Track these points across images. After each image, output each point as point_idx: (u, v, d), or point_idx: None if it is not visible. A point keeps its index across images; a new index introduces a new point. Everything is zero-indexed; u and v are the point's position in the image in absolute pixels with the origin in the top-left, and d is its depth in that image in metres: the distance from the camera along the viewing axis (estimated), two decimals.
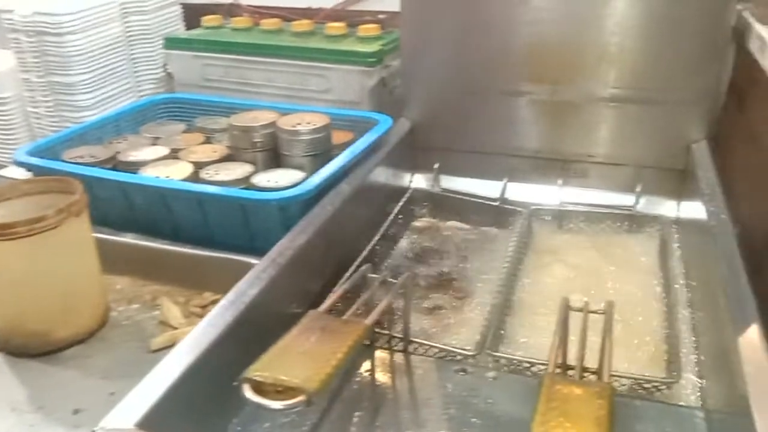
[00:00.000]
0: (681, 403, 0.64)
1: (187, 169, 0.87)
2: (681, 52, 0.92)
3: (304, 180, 0.83)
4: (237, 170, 0.88)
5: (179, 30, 1.31)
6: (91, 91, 1.14)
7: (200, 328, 0.57)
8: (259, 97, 1.13)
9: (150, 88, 1.28)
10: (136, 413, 0.48)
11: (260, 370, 0.45)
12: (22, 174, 1.20)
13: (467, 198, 1.02)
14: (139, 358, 0.71)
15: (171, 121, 1.08)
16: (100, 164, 0.89)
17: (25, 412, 0.64)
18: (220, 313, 0.59)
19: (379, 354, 0.71)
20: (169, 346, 0.72)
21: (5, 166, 1.23)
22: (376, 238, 0.91)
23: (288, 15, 1.23)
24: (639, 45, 0.94)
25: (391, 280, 0.68)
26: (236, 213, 0.79)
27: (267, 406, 0.43)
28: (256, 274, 0.66)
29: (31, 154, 0.89)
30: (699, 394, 0.65)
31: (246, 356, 0.50)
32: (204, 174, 0.87)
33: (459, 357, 0.69)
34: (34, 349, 0.71)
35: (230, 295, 0.62)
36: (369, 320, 0.55)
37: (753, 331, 0.57)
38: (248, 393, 0.44)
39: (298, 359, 0.46)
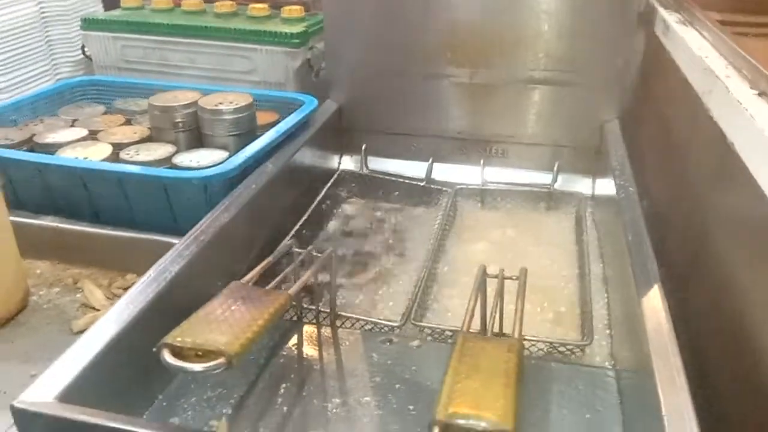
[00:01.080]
0: (593, 364, 0.68)
1: (106, 150, 0.85)
2: (594, 35, 0.97)
3: (226, 159, 0.83)
4: (158, 150, 0.86)
5: (98, 11, 1.27)
6: (4, 74, 1.10)
7: (122, 303, 0.56)
8: (181, 79, 1.11)
9: (68, 71, 1.24)
10: (56, 387, 0.47)
11: (180, 335, 0.45)
12: None
13: (394, 179, 1.04)
14: (62, 340, 0.70)
15: (90, 104, 1.05)
16: (15, 146, 0.86)
17: None
18: (142, 290, 0.59)
19: (307, 329, 0.72)
20: None
21: None
22: (304, 218, 0.92)
23: None
24: (554, 29, 0.97)
25: (316, 254, 0.69)
26: (158, 193, 0.78)
27: (187, 368, 0.44)
28: (178, 252, 0.65)
29: None
30: (609, 354, 0.69)
31: (168, 331, 0.50)
32: (124, 155, 0.85)
33: (385, 329, 0.71)
34: None
35: (152, 271, 0.62)
36: (291, 290, 0.56)
37: (655, 293, 0.61)
38: (168, 357, 0.44)
39: (219, 326, 0.47)
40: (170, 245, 0.76)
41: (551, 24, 0.97)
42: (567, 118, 1.02)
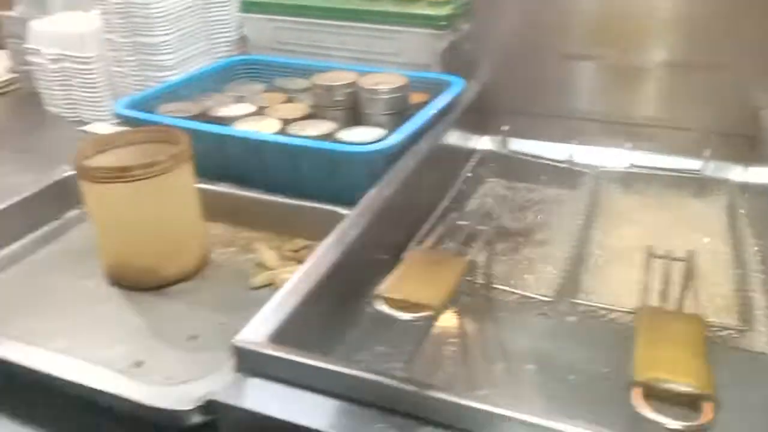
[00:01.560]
0: (755, 350, 0.68)
1: (275, 124, 0.92)
2: (751, 18, 0.94)
3: (385, 137, 0.88)
4: (321, 126, 0.92)
5: None
6: (172, 52, 1.19)
7: (313, 261, 0.62)
8: (330, 60, 1.17)
9: (224, 51, 1.33)
10: (267, 328, 0.53)
11: (390, 290, 0.50)
12: (105, 129, 1.27)
13: (535, 160, 1.06)
14: (242, 294, 0.78)
15: (251, 81, 1.13)
16: (192, 118, 0.95)
17: (145, 337, 0.71)
18: (326, 251, 0.65)
19: (464, 299, 0.76)
20: (268, 285, 0.78)
21: (89, 122, 1.30)
22: (451, 195, 0.95)
23: None
24: (710, 10, 0.95)
25: (480, 227, 0.72)
26: (327, 165, 0.84)
27: (398, 317, 0.49)
28: (353, 219, 0.71)
29: (128, 107, 0.95)
30: None
31: (354, 285, 0.55)
32: (291, 129, 0.92)
33: (539, 303, 0.74)
34: (145, 284, 0.78)
35: (333, 235, 0.67)
36: (470, 256, 0.60)
37: None
38: (382, 306, 0.49)
39: (418, 283, 0.51)
40: (333, 213, 0.82)
41: (707, 4, 0.95)
42: (719, 103, 1.00)
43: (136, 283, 0.78)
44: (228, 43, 1.33)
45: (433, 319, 0.48)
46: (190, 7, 1.22)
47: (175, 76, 1.20)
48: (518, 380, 0.62)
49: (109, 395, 0.54)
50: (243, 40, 1.33)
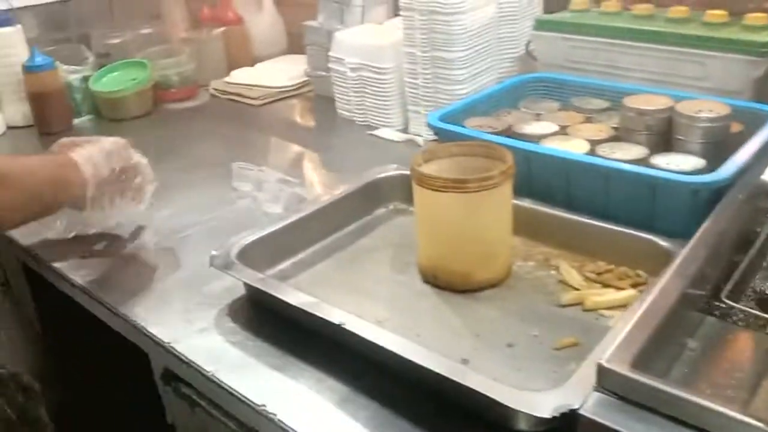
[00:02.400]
0: None
1: (584, 145, 0.93)
2: None
3: (705, 167, 0.85)
4: (632, 150, 0.91)
5: (537, 12, 1.38)
6: (466, 67, 1.26)
7: (659, 291, 0.62)
8: (626, 81, 1.15)
9: (507, 67, 1.37)
10: (629, 353, 0.54)
11: None
12: (391, 135, 1.38)
13: None
14: (548, 309, 0.79)
15: (543, 99, 1.15)
16: (498, 134, 0.99)
17: (465, 336, 0.76)
18: (669, 283, 0.64)
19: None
20: (576, 304, 0.79)
21: (377, 128, 1.41)
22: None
23: (659, 1, 1.23)
24: None
25: None
26: (642, 190, 0.83)
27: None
28: (692, 253, 0.69)
29: (440, 120, 1.01)
30: None
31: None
32: (600, 151, 0.92)
33: None
34: (457, 286, 0.83)
35: (673, 267, 0.66)
36: None
37: None
38: None
39: None
40: (645, 241, 0.81)
41: None
42: None
43: (449, 284, 0.83)
44: (512, 60, 1.37)
45: None
46: (486, 24, 1.28)
47: (463, 90, 1.26)
48: None
49: (463, 386, 0.59)
50: (525, 57, 1.36)
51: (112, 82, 1.61)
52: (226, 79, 1.76)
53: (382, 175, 1.02)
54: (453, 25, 1.22)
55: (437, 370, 0.61)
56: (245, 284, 0.82)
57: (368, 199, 1.02)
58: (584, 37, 1.22)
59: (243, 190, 1.14)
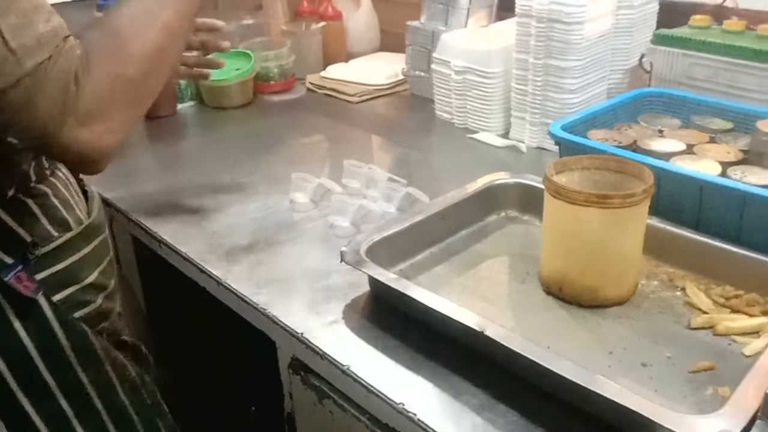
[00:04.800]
0: None
1: (715, 167, 0.92)
2: None
3: None
4: (764, 175, 0.90)
5: (651, 25, 1.36)
6: (578, 77, 1.25)
7: None
8: (743, 101, 1.12)
9: (617, 80, 1.35)
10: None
11: None
12: (491, 139, 1.38)
13: None
14: (677, 331, 0.79)
15: (661, 115, 1.13)
16: (624, 148, 0.98)
17: (597, 352, 0.75)
18: None
19: None
20: (707, 328, 0.78)
21: (476, 132, 1.42)
22: None
23: None
24: None
25: None
26: None
27: None
28: None
29: (563, 130, 1.01)
30: None
31: None
32: (731, 174, 0.90)
33: None
34: (582, 301, 0.83)
35: None
36: None
37: None
38: None
39: None
40: None
41: None
42: None
43: (575, 297, 0.83)
44: (622, 72, 1.36)
45: None
46: (602, 35, 1.27)
47: (573, 100, 1.26)
48: None
49: (620, 406, 0.59)
50: (637, 70, 1.35)
51: (216, 71, 1.65)
52: (322, 73, 1.78)
53: (498, 181, 1.03)
54: (572, 35, 1.22)
55: (594, 389, 0.61)
56: (372, 282, 0.84)
57: (482, 205, 1.02)
58: (706, 54, 1.19)
59: (352, 187, 1.16)
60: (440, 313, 0.73)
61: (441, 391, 0.70)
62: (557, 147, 1.04)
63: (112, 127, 0.67)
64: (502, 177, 1.03)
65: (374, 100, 1.67)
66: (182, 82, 1.63)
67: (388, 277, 0.79)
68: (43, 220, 0.77)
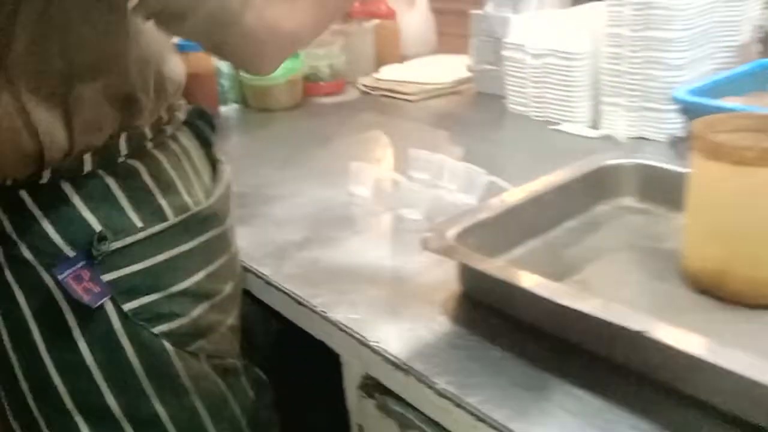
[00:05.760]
0: None
1: None
2: None
3: None
4: None
5: None
6: (685, 50, 1.05)
7: None
8: None
9: (724, 57, 1.15)
10: None
11: None
12: (584, 131, 1.18)
13: None
14: None
15: None
16: None
17: None
18: None
19: None
20: None
21: (557, 123, 1.22)
22: None
23: None
24: None
25: None
26: None
27: None
28: None
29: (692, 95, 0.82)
30: None
31: None
32: None
33: None
34: (750, 300, 0.62)
35: None
36: None
37: None
38: None
39: None
40: None
41: None
42: None
43: (737, 296, 0.62)
44: (730, 48, 1.15)
45: None
46: (712, 3, 1.07)
47: (681, 78, 1.06)
48: None
49: None
50: (746, 47, 1.15)
51: None
52: (375, 75, 1.62)
53: (612, 162, 0.83)
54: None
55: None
56: (468, 274, 0.64)
57: (590, 190, 0.83)
58: None
59: (421, 178, 0.97)
60: (580, 313, 0.53)
61: (571, 414, 0.50)
62: (662, 135, 0.84)
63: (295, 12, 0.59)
64: (616, 157, 0.83)
65: (436, 99, 1.49)
66: (225, 82, 1.49)
67: (494, 265, 0.60)
68: (125, 204, 0.60)
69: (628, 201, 0.83)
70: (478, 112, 1.38)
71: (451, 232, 0.66)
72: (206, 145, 0.73)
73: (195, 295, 0.63)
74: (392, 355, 0.58)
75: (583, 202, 0.82)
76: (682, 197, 0.70)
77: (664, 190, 0.80)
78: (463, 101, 1.47)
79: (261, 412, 0.71)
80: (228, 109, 1.49)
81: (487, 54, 1.43)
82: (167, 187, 0.62)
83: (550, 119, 1.25)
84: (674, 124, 1.07)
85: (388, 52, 1.71)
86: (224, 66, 1.48)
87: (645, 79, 1.09)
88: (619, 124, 1.14)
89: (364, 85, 1.60)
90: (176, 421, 0.62)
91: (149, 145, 0.62)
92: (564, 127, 1.21)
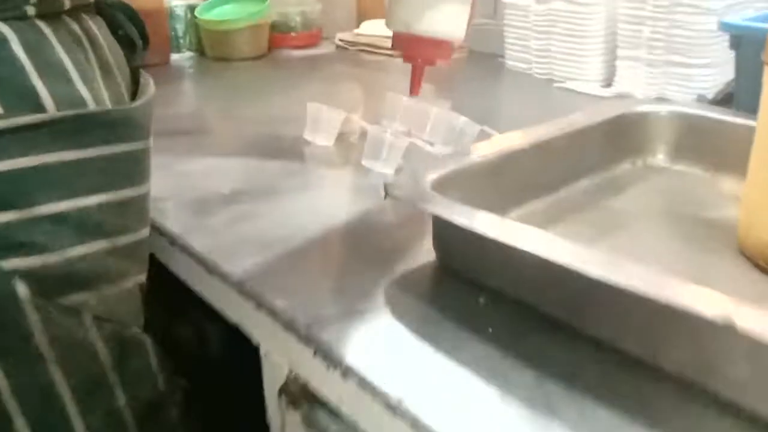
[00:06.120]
0: None
1: None
2: None
3: None
4: None
5: None
6: None
7: None
8: None
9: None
10: None
11: None
12: (596, 90, 0.99)
13: None
14: None
15: None
16: None
17: None
18: None
19: None
20: None
21: (562, 81, 1.03)
22: None
23: None
24: None
25: None
26: None
27: None
28: None
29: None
30: None
31: None
32: None
33: None
34: None
35: None
36: None
37: None
38: None
39: None
40: None
41: None
42: None
43: None
44: None
45: None
46: None
47: (715, 25, 0.87)
48: None
49: None
50: None
51: (222, 14, 1.30)
52: (356, 30, 1.42)
53: (639, 109, 0.64)
54: None
55: None
56: (443, 238, 0.45)
57: (609, 145, 0.64)
58: None
59: (397, 128, 0.77)
60: (613, 287, 0.34)
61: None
62: (688, 95, 0.67)
63: None
64: (644, 104, 0.64)
65: None
66: (178, 26, 1.29)
67: (480, 219, 0.40)
68: None
69: (659, 159, 0.64)
70: (473, 70, 1.19)
71: (427, 179, 0.47)
72: (127, 46, 0.54)
73: (79, 226, 0.43)
74: (328, 349, 0.38)
75: (601, 157, 0.63)
76: (728, 155, 0.53)
77: (703, 145, 0.61)
78: (456, 58, 1.27)
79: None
80: (180, 57, 1.29)
81: (484, 7, 1.24)
82: (49, 69, 0.43)
83: (555, 76, 1.06)
84: (703, 81, 0.89)
85: (372, 5, 1.51)
86: (177, 8, 1.27)
87: (670, 27, 0.90)
88: (638, 81, 0.95)
89: (341, 40, 1.40)
90: (21, 398, 0.42)
91: (30, 10, 0.43)
92: (571, 84, 1.02)
